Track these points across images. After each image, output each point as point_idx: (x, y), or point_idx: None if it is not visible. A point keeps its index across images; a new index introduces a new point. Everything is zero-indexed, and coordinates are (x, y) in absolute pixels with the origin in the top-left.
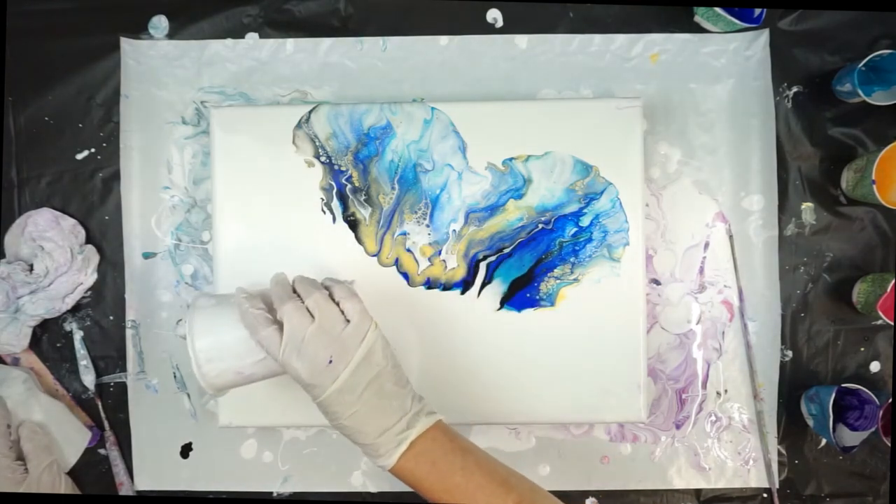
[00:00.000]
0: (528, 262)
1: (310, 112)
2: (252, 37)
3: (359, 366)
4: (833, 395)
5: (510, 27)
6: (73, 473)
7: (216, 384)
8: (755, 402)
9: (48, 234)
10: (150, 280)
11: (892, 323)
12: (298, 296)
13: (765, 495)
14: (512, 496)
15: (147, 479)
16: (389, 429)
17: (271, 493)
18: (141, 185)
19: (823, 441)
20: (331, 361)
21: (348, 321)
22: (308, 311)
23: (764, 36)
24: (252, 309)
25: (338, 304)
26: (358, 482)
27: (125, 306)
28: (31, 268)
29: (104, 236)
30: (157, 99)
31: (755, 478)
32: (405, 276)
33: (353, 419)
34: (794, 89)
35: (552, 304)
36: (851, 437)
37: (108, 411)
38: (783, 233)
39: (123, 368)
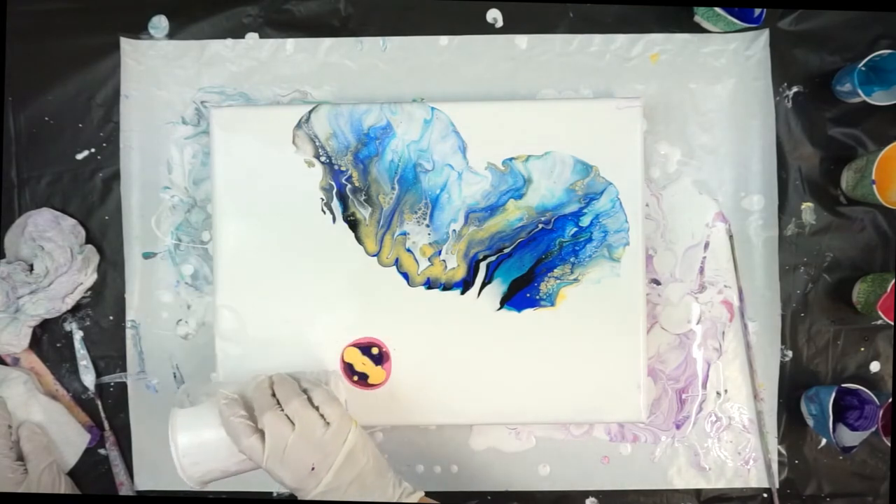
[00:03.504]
0: (528, 262)
1: (310, 112)
2: (252, 37)
3: (341, 468)
4: (833, 395)
5: (510, 27)
6: (73, 473)
7: (202, 481)
8: (755, 402)
9: (48, 234)
10: (150, 280)
11: (892, 323)
12: (278, 401)
13: (765, 495)
14: None
15: (147, 479)
16: None
17: (271, 493)
18: (141, 185)
19: (823, 441)
20: (313, 468)
21: (328, 424)
22: (288, 418)
23: (764, 36)
24: (233, 417)
25: (317, 409)
26: None
27: (125, 306)
28: (31, 268)
29: (104, 236)
30: (157, 99)
31: (755, 478)
32: (405, 276)
33: None
34: (794, 89)
35: (552, 304)
36: (851, 437)
37: (108, 411)
38: (783, 233)
39: (123, 368)
